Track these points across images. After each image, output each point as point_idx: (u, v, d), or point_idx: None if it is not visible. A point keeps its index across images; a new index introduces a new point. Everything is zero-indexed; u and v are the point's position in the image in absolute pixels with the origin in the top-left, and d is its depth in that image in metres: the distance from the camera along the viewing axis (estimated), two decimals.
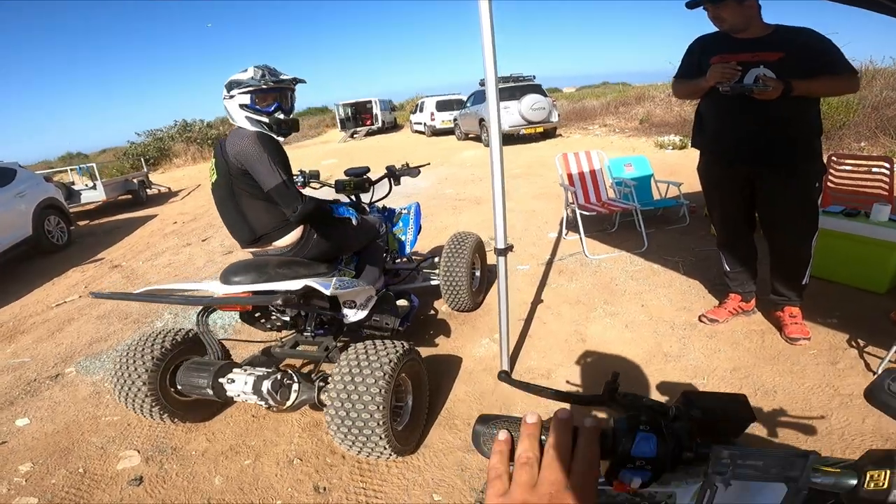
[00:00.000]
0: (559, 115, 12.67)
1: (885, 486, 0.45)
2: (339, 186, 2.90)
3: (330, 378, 1.89)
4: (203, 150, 18.76)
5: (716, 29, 2.39)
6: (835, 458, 0.53)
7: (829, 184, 3.87)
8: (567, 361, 2.64)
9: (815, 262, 2.55)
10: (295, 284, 1.94)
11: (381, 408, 1.76)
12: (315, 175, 3.00)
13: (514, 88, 11.67)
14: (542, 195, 6.23)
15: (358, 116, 21.53)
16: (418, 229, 3.11)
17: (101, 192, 8.94)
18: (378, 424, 1.76)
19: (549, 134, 12.37)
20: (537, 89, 11.79)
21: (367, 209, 2.89)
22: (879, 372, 2.19)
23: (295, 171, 3.11)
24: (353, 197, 2.97)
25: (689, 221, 4.57)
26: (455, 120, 14.44)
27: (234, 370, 2.05)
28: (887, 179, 3.54)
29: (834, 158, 3.92)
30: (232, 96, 2.07)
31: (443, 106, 16.57)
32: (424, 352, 2.82)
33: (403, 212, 3.12)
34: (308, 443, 2.20)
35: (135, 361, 2.08)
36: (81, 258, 6.32)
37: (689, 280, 3.44)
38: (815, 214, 2.47)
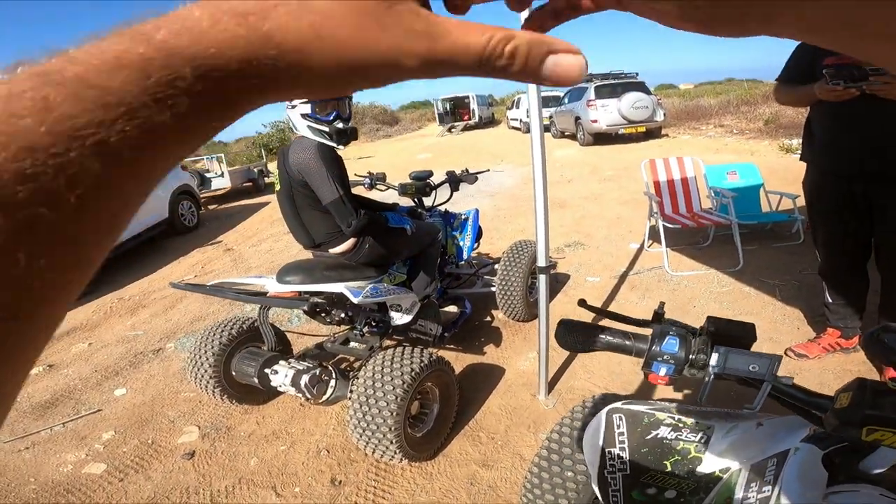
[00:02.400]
0: (665, 114, 11.77)
1: (846, 403, 0.60)
2: (402, 190, 3.03)
3: (356, 378, 2.01)
4: None
5: None
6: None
7: None
8: (612, 386, 2.50)
9: None
10: (334, 287, 2.09)
11: (394, 413, 1.85)
12: (381, 178, 3.15)
13: (614, 86, 11.09)
14: (632, 201, 5.85)
15: (456, 111, 21.86)
16: (476, 235, 3.13)
17: (227, 180, 10.16)
18: (390, 429, 1.85)
19: (653, 134, 11.52)
20: (640, 87, 11.08)
21: (426, 214, 2.97)
22: None
23: (363, 172, 3.32)
24: (415, 200, 3.08)
25: (802, 239, 4.00)
26: (551, 117, 13.99)
27: (280, 362, 2.25)
28: None
29: None
30: (294, 106, 2.21)
31: (542, 103, 16.21)
32: (469, 359, 2.88)
33: (463, 217, 3.15)
34: (339, 437, 2.34)
35: (205, 346, 2.38)
36: (205, 240, 7.25)
37: (785, 307, 3.04)
38: None
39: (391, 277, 2.53)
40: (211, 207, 10.17)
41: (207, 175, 10.35)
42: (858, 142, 2.04)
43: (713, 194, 4.21)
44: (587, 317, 2.33)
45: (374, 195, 3.06)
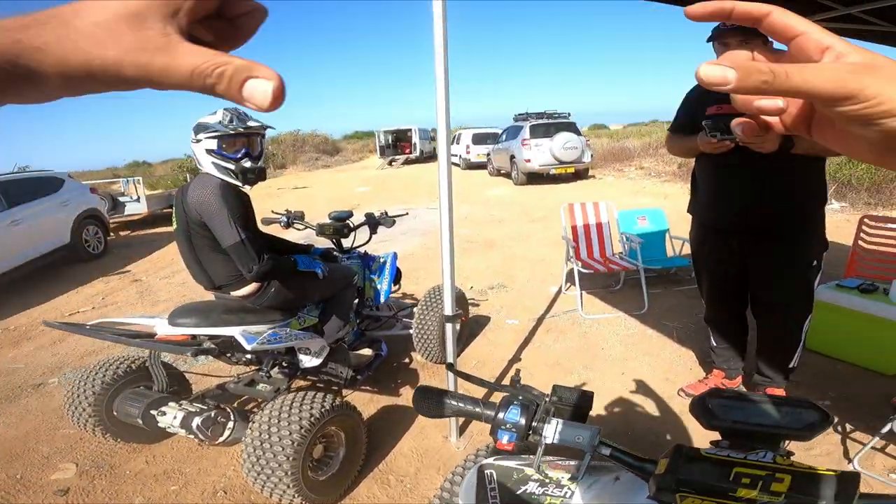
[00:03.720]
0: (593, 156, 12.49)
1: (663, 469, 0.65)
2: (320, 230, 2.96)
3: (252, 421, 1.91)
4: None
5: None
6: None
7: (856, 250, 3.61)
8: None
9: (819, 337, 2.43)
10: (227, 332, 1.99)
11: (290, 458, 1.78)
12: (299, 216, 3.07)
13: (548, 125, 11.61)
14: (557, 242, 6.05)
15: (397, 144, 22.06)
16: (393, 279, 3.09)
17: (144, 205, 9.50)
18: (286, 473, 1.78)
19: (581, 175, 12.17)
20: (571, 128, 11.66)
21: (342, 257, 2.91)
22: (856, 459, 2.05)
23: (281, 210, 3.22)
24: (333, 241, 3.01)
25: None
26: (488, 154, 14.47)
27: (170, 403, 2.15)
28: None
29: (868, 221, 3.65)
30: (199, 140, 2.08)
31: (479, 139, 16.74)
32: (384, 401, 2.82)
33: (381, 261, 3.12)
34: (239, 477, 2.22)
35: (86, 383, 2.24)
36: (111, 269, 6.68)
37: (681, 349, 3.26)
38: (810, 296, 2.26)
39: (301, 321, 2.43)
40: (123, 234, 9.45)
41: (121, 199, 9.65)
42: (734, 196, 2.18)
43: (624, 239, 4.48)
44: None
45: (292, 234, 2.96)
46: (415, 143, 21.28)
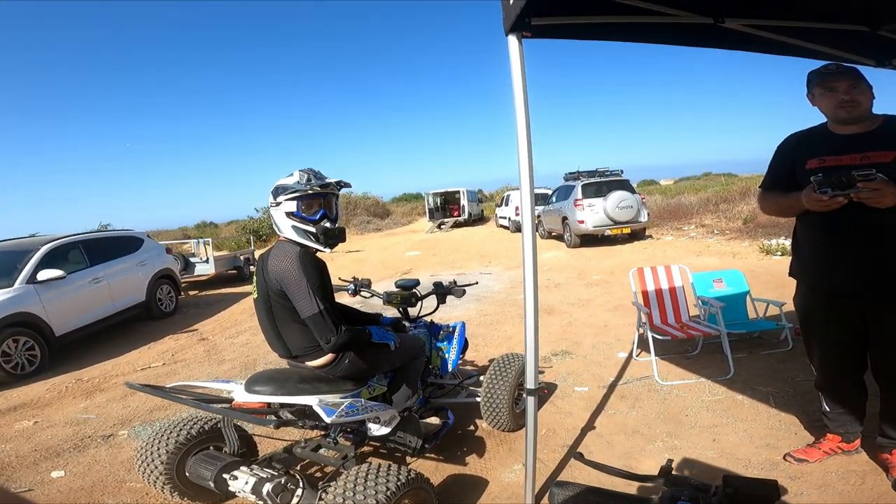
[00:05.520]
0: (649, 214, 12.00)
1: None
2: (387, 298, 2.95)
3: (326, 493, 1.81)
4: None
5: (820, 121, 2.01)
6: None
7: None
8: None
9: None
10: (306, 401, 1.95)
11: None
12: (366, 284, 3.09)
13: (600, 184, 11.34)
14: (620, 307, 5.83)
15: (446, 207, 22.52)
16: (462, 349, 3.02)
17: (212, 266, 10.06)
18: None
19: (637, 235, 11.72)
20: (625, 185, 11.29)
21: (410, 326, 2.87)
22: None
23: (349, 277, 3.26)
24: (399, 309, 2.99)
25: (791, 346, 3.94)
26: (539, 216, 13.81)
27: (242, 468, 2.11)
28: None
29: None
30: (278, 203, 2.11)
31: None
32: (450, 469, 2.68)
33: (449, 330, 3.05)
34: None
35: (160, 442, 2.24)
36: (181, 326, 6.99)
37: (780, 414, 2.92)
38: None
39: (370, 389, 2.37)
40: (192, 293, 9.97)
41: (192, 259, 10.27)
42: (848, 258, 1.96)
43: (701, 303, 4.21)
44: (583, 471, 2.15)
45: (358, 301, 2.98)
46: (463, 206, 21.61)
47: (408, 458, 2.77)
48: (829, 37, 2.33)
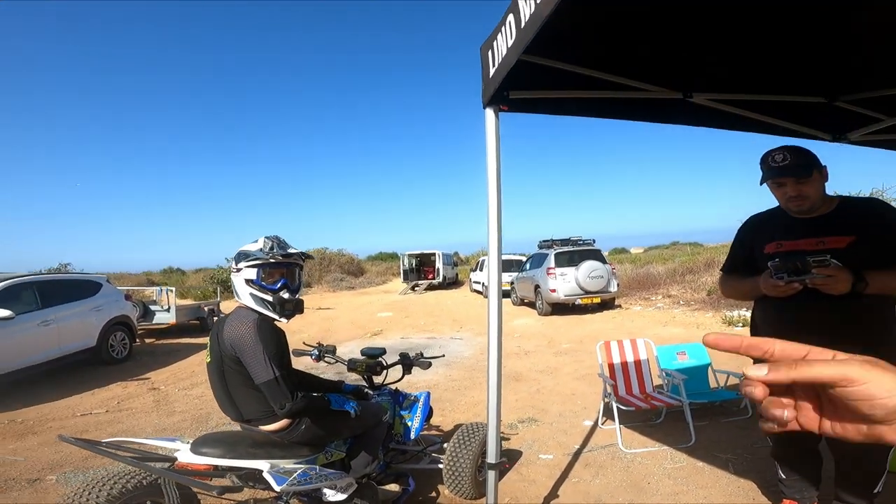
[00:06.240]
0: (619, 284, 12.21)
1: None
2: (352, 366, 2.90)
3: None
4: None
5: (772, 205, 2.04)
6: None
7: None
8: None
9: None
10: (255, 465, 1.87)
11: None
12: (330, 350, 3.02)
13: (572, 253, 11.49)
14: (587, 376, 5.83)
15: (421, 268, 22.50)
16: (426, 417, 2.95)
17: (173, 316, 9.68)
18: None
19: (607, 304, 11.88)
20: (596, 255, 11.49)
21: (373, 394, 2.81)
22: None
23: (313, 342, 3.20)
24: (364, 377, 2.94)
25: (750, 414, 4.02)
26: (512, 283, 14.00)
27: None
28: None
29: None
30: (239, 269, 2.09)
31: (503, 266, 16.90)
32: None
33: (413, 399, 3.00)
34: None
35: (89, 493, 2.00)
36: (131, 374, 6.60)
37: (738, 480, 2.94)
38: None
39: (328, 455, 2.28)
40: (149, 341, 9.51)
41: (153, 307, 9.89)
42: (801, 341, 2.05)
43: (665, 375, 4.27)
44: None
45: (321, 367, 2.92)
46: (438, 269, 21.58)
47: None
48: (788, 110, 2.43)
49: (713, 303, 10.86)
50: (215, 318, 11.28)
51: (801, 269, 1.75)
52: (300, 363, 2.55)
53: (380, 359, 2.89)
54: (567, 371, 6.29)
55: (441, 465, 2.84)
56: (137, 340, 8.57)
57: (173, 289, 10.49)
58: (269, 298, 2.07)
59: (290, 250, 2.16)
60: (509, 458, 3.49)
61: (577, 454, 3.56)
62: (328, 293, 21.14)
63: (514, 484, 3.13)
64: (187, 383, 6.09)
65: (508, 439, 3.93)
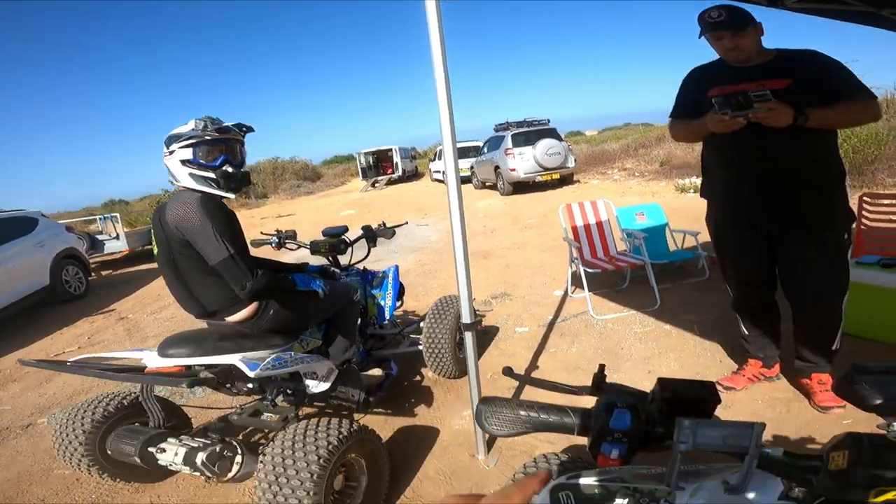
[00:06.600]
0: (576, 160, 12.52)
1: (844, 464, 0.52)
2: (315, 248, 2.82)
3: (264, 454, 1.73)
4: (239, 196, 19.46)
5: (713, 58, 2.14)
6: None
7: (861, 227, 3.54)
8: (554, 437, 2.36)
9: (848, 318, 2.24)
10: (225, 359, 1.82)
11: (311, 493, 1.62)
12: (291, 236, 2.91)
13: (528, 133, 11.62)
14: (554, 248, 6.02)
15: (379, 165, 21.97)
16: (398, 293, 2.95)
17: (124, 243, 9.19)
18: None
19: (566, 180, 12.17)
20: (552, 134, 11.66)
21: (341, 274, 2.75)
22: None
23: (271, 230, 3.06)
24: (329, 258, 2.87)
25: (708, 275, 4.26)
26: (472, 168, 14.34)
27: (169, 440, 1.99)
28: None
29: (867, 199, 3.60)
30: (172, 152, 1.91)
31: (460, 153, 16.59)
32: (400, 422, 2.67)
33: (381, 275, 2.97)
34: None
35: (75, 422, 2.08)
36: (95, 308, 6.40)
37: (703, 342, 3.14)
38: (846, 273, 2.16)
39: (303, 344, 2.26)
40: (105, 273, 9.14)
41: (100, 237, 9.32)
42: (753, 177, 2.09)
43: (626, 236, 4.41)
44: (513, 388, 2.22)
45: (284, 255, 2.81)
46: (396, 163, 21.16)
47: (355, 415, 2.74)
48: None
49: (666, 173, 11.30)
50: None
51: (743, 103, 1.88)
52: (261, 253, 2.46)
53: (343, 237, 2.82)
54: (533, 245, 6.47)
55: (421, 347, 2.92)
56: (93, 274, 8.20)
57: (117, 215, 9.82)
58: (212, 175, 1.93)
59: (226, 124, 1.99)
60: (487, 335, 3.66)
61: (551, 325, 3.75)
62: (286, 201, 20.49)
63: (494, 358, 3.31)
64: (154, 307, 5.98)
65: (484, 316, 4.09)
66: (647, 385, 2.32)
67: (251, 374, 1.73)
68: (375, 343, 3.10)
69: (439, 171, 18.09)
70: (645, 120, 36.70)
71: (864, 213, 3.58)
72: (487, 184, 13.54)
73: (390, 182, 21.02)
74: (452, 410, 2.73)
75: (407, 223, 4.01)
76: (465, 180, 15.84)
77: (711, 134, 2.12)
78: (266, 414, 2.30)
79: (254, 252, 2.19)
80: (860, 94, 1.93)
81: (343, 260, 2.91)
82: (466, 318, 1.99)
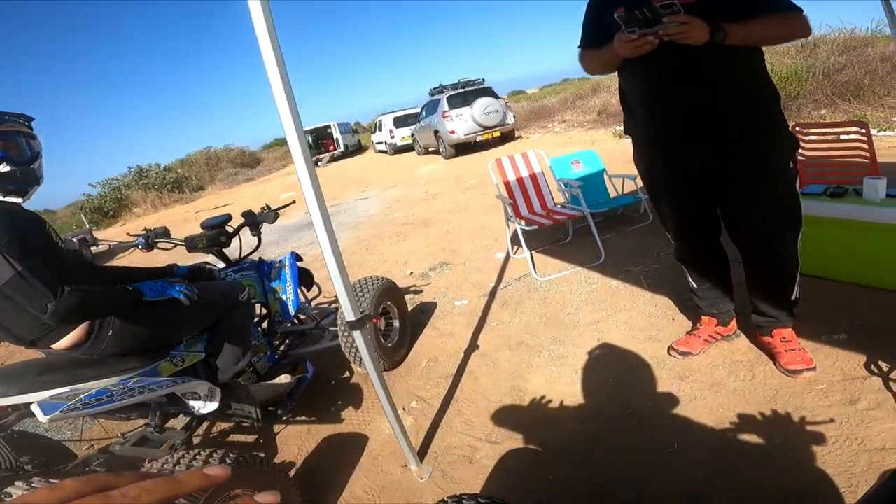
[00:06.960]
0: (515, 116, 12.35)
1: None
2: (191, 245, 2.37)
3: None
4: (163, 197, 18.28)
5: None
6: None
7: (800, 158, 3.35)
8: (495, 434, 2.06)
9: (804, 258, 1.94)
10: (17, 400, 1.46)
11: None
12: (162, 233, 2.43)
13: (465, 94, 11.35)
14: (495, 207, 5.68)
15: (320, 143, 21.05)
16: (298, 282, 2.54)
17: None
18: None
19: (507, 137, 11.96)
20: (488, 92, 11.44)
21: (223, 272, 2.33)
22: None
23: (139, 229, 2.58)
24: (215, 254, 2.42)
25: (651, 219, 4.04)
26: (413, 135, 14.08)
27: (15, 483, 1.55)
28: (865, 146, 3.01)
29: (798, 129, 3.41)
30: None
31: (401, 122, 16.11)
32: (324, 430, 2.33)
33: (278, 265, 2.55)
34: None
35: None
36: None
37: (654, 297, 2.85)
38: (797, 207, 1.84)
39: (176, 361, 1.86)
40: None
41: None
42: (676, 102, 1.77)
43: (562, 186, 4.13)
44: None
45: (158, 257, 2.35)
46: (337, 139, 20.44)
47: (276, 429, 2.38)
48: None
49: (604, 121, 11.30)
50: (93, 248, 9.89)
51: (650, 18, 1.59)
52: (136, 259, 1.99)
53: (224, 227, 2.41)
54: (475, 206, 6.16)
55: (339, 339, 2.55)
56: None
57: None
58: None
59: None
60: (424, 314, 3.33)
61: (492, 293, 3.44)
62: (224, 190, 19.33)
63: (431, 341, 2.98)
64: None
65: (422, 291, 3.76)
66: (598, 355, 1.91)
67: (44, 418, 1.32)
68: (294, 341, 2.72)
69: (381, 142, 17.60)
70: (583, 75, 36.97)
71: (799, 144, 3.39)
72: (430, 149, 13.17)
73: (333, 159, 20.22)
74: (382, 412, 2.38)
75: (294, 202, 3.48)
76: (408, 148, 15.33)
77: (625, 60, 1.79)
78: (153, 442, 1.92)
79: (119, 261, 1.74)
80: (783, 5, 1.63)
81: (232, 254, 2.47)
82: (350, 315, 1.62)
